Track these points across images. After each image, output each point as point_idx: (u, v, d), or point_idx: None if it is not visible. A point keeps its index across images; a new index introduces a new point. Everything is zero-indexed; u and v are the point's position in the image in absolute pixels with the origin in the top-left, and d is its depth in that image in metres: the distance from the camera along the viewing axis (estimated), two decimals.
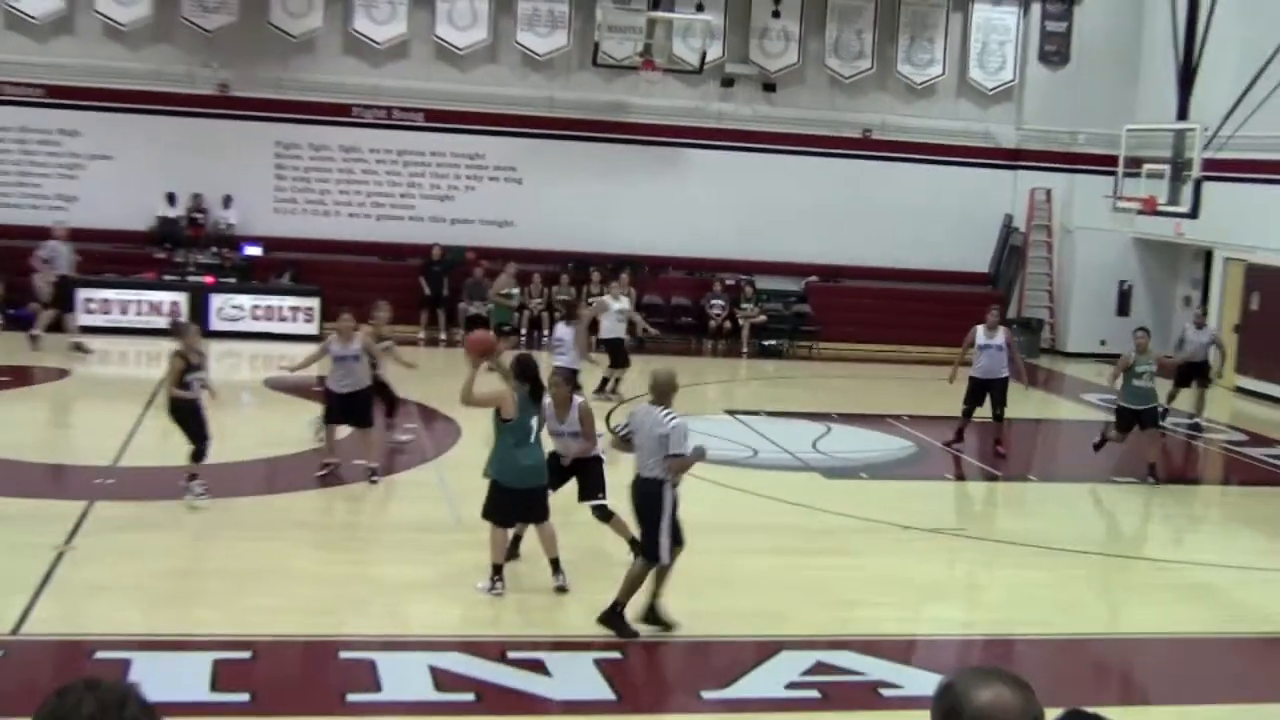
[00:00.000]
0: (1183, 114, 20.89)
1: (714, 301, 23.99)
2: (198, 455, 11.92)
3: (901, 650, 9.66)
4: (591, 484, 10.67)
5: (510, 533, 10.38)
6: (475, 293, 23.42)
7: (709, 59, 24.49)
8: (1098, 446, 15.93)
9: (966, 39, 26.14)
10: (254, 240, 23.86)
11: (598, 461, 10.68)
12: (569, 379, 10.67)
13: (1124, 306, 25.92)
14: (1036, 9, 26.21)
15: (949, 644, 10.13)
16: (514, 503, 10.07)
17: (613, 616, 9.35)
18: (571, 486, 10.74)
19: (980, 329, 16.41)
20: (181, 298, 21.85)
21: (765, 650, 9.21)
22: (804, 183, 25.50)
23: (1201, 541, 13.48)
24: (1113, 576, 11.85)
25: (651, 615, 9.49)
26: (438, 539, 11.27)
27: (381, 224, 24.72)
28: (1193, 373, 19.07)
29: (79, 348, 19.84)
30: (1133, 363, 15.36)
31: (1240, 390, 22.48)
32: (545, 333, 23.52)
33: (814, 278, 25.52)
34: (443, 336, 23.09)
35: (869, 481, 14.99)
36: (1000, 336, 16.42)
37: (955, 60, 26.18)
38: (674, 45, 24.18)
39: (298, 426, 14.53)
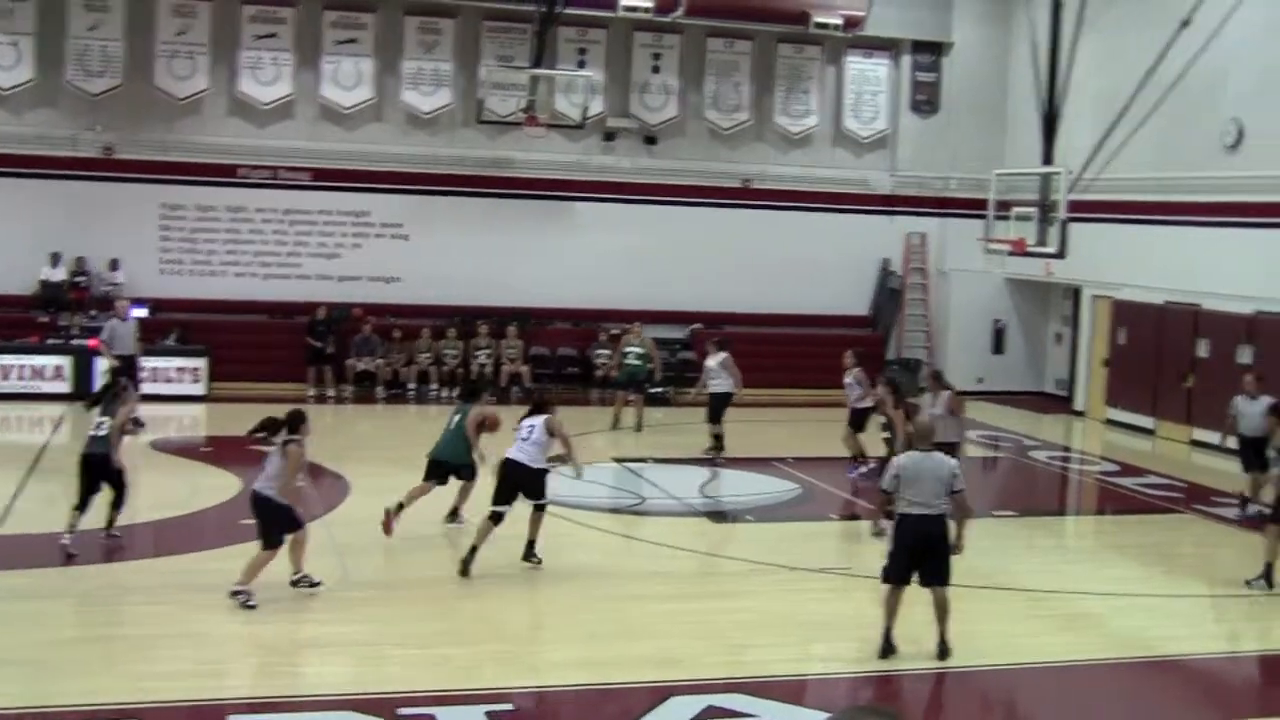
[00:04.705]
0: (1048, 159, 21.57)
1: (599, 351, 24.20)
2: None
3: (792, 691, 9.84)
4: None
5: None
6: (364, 349, 23.43)
7: (591, 114, 24.86)
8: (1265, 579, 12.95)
9: (840, 90, 26.84)
10: (140, 302, 23.58)
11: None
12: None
13: (999, 344, 26.77)
14: (907, 60, 27.03)
15: (839, 682, 10.26)
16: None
17: (945, 646, 10.41)
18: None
19: (926, 397, 15.51)
20: (65, 361, 21.58)
21: (656, 696, 9.34)
22: (686, 232, 25.95)
23: (1078, 571, 13.85)
24: (996, 608, 12.11)
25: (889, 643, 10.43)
26: (328, 597, 11.24)
27: (269, 283, 24.62)
28: (1252, 450, 15.88)
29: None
30: None
31: (1110, 422, 23.30)
32: (434, 387, 23.54)
33: (698, 325, 25.85)
34: (331, 394, 23.06)
35: (755, 524, 15.28)
36: (942, 404, 15.30)
37: (830, 111, 26.86)
38: (556, 101, 24.59)
39: (185, 489, 14.47)
